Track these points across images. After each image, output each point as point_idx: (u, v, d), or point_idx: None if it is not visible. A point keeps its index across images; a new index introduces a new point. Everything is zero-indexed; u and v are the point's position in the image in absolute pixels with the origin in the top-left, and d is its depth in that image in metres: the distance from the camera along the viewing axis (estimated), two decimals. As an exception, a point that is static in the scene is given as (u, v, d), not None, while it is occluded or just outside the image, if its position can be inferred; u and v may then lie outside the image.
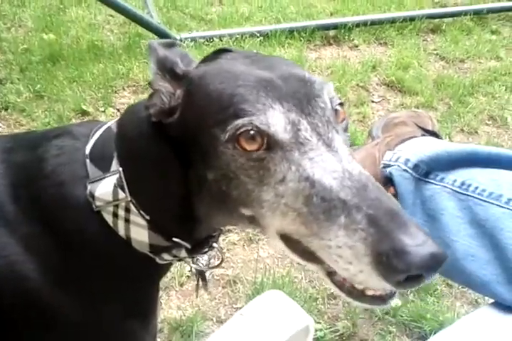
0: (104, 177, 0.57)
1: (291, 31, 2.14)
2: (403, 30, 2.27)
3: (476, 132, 1.80)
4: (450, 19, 2.38)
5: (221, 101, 0.51)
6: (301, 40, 2.12)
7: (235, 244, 1.36)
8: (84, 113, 1.72)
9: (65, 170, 0.58)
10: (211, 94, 0.52)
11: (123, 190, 0.57)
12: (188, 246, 0.61)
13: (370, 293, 0.47)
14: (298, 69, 0.56)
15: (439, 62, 2.15)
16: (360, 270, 0.43)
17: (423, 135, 0.95)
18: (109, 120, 1.75)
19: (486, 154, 0.79)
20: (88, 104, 1.74)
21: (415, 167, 0.82)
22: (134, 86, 1.85)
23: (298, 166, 0.48)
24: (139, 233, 0.58)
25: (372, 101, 1.89)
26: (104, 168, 0.58)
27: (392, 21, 2.28)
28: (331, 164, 0.48)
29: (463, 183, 0.77)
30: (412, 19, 2.31)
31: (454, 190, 0.77)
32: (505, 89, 1.99)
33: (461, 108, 1.86)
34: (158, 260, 0.61)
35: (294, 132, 0.49)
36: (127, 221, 0.58)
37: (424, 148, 0.84)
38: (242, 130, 0.48)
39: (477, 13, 2.41)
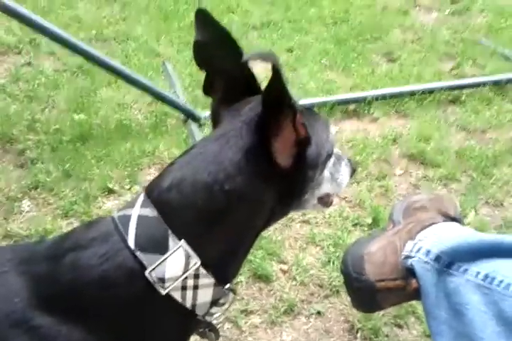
0: (166, 258, 0.58)
1: (311, 106, 2.20)
2: (423, 102, 2.30)
3: (502, 204, 1.77)
4: (469, 90, 2.41)
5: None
6: (321, 115, 2.16)
7: (257, 326, 1.33)
8: (110, 191, 1.76)
9: (115, 272, 0.58)
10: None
11: (191, 258, 0.59)
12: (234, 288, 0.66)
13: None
14: None
15: (460, 133, 2.16)
16: (348, 179, 0.84)
17: (444, 221, 0.94)
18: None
19: (509, 244, 0.78)
20: (114, 183, 1.79)
21: (437, 258, 0.81)
22: (160, 163, 1.91)
23: (332, 149, 0.75)
24: (205, 294, 0.61)
25: (395, 175, 1.89)
26: (161, 250, 0.59)
27: (412, 94, 2.32)
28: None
29: (486, 276, 0.75)
30: (431, 91, 2.35)
31: (478, 284, 0.75)
32: (530, 160, 1.97)
33: (485, 180, 1.85)
34: (206, 318, 0.63)
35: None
36: (196, 287, 0.59)
37: (445, 238, 0.83)
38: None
39: (496, 83, 2.44)
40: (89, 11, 3.03)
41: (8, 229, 1.59)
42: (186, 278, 0.59)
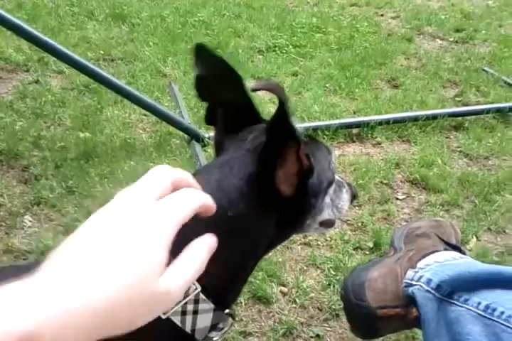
0: None
1: (315, 129, 2.21)
2: (426, 128, 2.32)
3: (504, 231, 1.76)
4: (472, 117, 2.43)
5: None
6: (324, 138, 2.18)
7: (255, 349, 1.31)
8: (112, 209, 1.76)
9: None
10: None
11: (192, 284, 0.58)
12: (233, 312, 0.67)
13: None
14: None
15: (463, 159, 2.17)
16: (348, 205, 0.85)
17: (445, 249, 0.94)
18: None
19: (509, 275, 0.77)
20: (117, 200, 1.79)
21: (438, 287, 0.81)
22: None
23: (333, 176, 0.78)
24: (204, 319, 0.61)
25: (397, 199, 1.89)
26: None
27: (415, 119, 2.34)
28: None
29: (487, 307, 0.75)
30: (434, 117, 2.36)
31: (479, 314, 0.75)
32: (533, 187, 1.98)
33: (487, 206, 1.84)
34: None
35: None
36: (195, 312, 0.59)
37: (446, 267, 0.83)
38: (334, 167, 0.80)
39: (499, 111, 2.46)
40: (97, 31, 3.08)
41: (10, 244, 1.59)
42: (186, 303, 0.59)
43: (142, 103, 2.06)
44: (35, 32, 1.89)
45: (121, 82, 2.10)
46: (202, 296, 0.60)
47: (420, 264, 0.89)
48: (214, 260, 0.60)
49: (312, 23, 3.49)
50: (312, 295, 1.47)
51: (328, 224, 0.83)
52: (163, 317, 0.58)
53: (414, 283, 0.84)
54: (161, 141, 2.11)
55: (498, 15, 3.96)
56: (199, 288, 0.59)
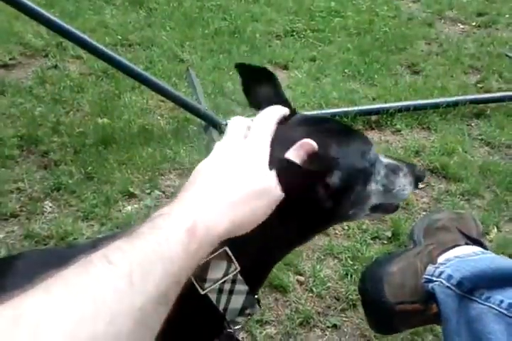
0: (210, 259, 0.61)
1: (333, 116, 2.19)
2: (446, 115, 2.28)
3: (526, 222, 1.74)
4: (495, 104, 2.38)
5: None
6: (343, 125, 2.16)
7: (272, 337, 1.32)
8: (131, 195, 1.78)
9: None
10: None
11: (232, 264, 0.61)
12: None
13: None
14: None
15: (484, 147, 2.13)
16: (410, 189, 0.81)
17: (466, 243, 0.92)
18: (154, 202, 1.75)
19: None
20: (135, 187, 1.80)
21: (459, 284, 0.79)
22: (180, 169, 1.91)
23: (381, 162, 0.78)
24: (238, 300, 0.64)
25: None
26: None
27: (435, 106, 2.30)
28: (382, 155, 0.81)
29: (510, 305, 0.73)
30: (455, 104, 2.32)
31: (502, 312, 0.73)
32: (556, 177, 1.94)
33: (509, 196, 1.82)
34: (230, 327, 0.65)
35: None
36: (231, 292, 0.62)
37: (467, 263, 0.81)
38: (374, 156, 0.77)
39: (522, 98, 2.41)
40: (115, 16, 3.06)
41: (30, 229, 1.61)
42: (225, 282, 0.61)
43: (159, 89, 2.05)
44: (53, 17, 1.88)
45: (139, 68, 2.09)
46: (240, 277, 0.62)
47: (440, 259, 0.87)
48: (252, 244, 0.62)
49: (331, 7, 3.43)
50: (329, 284, 1.47)
51: (385, 209, 0.84)
52: (202, 292, 0.60)
53: (434, 278, 0.83)
54: (178, 128, 2.10)
55: (523, -1, 3.85)
56: (238, 268, 0.61)
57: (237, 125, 0.66)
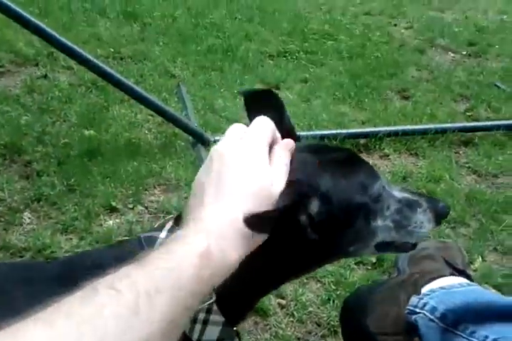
0: None
1: (322, 138, 2.18)
2: (435, 142, 2.29)
3: (511, 252, 1.72)
4: (483, 133, 2.39)
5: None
6: (332, 148, 2.15)
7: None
8: (113, 209, 1.74)
9: None
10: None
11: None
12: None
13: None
14: None
15: (471, 175, 2.13)
16: (429, 227, 0.74)
17: (452, 274, 0.90)
18: (136, 217, 1.71)
19: None
20: (118, 201, 1.77)
21: (442, 316, 0.76)
22: (165, 184, 1.88)
23: (393, 196, 0.73)
24: (213, 332, 0.61)
25: (402, 213, 1.85)
26: None
27: (424, 133, 2.31)
28: (397, 188, 0.76)
29: None
30: (444, 131, 2.33)
31: None
32: (541, 208, 1.94)
33: (494, 225, 1.81)
34: None
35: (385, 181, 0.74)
36: (205, 322, 0.60)
37: (452, 295, 0.79)
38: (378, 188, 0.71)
39: (510, 127, 2.42)
40: (108, 29, 3.06)
41: (7, 240, 1.56)
42: (199, 311, 0.59)
43: (149, 103, 2.03)
44: (45, 27, 1.86)
45: (129, 81, 2.07)
46: (215, 307, 0.59)
47: (425, 289, 0.85)
48: (234, 274, 0.59)
49: (324, 30, 3.47)
50: (311, 309, 1.43)
51: (398, 248, 0.77)
52: None
53: (417, 310, 0.80)
54: (166, 143, 2.08)
55: (512, 31, 3.93)
56: (214, 298, 0.59)
57: (234, 129, 0.65)
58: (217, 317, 0.60)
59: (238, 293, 0.64)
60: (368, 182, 0.69)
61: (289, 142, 0.65)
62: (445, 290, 0.83)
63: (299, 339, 1.36)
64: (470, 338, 0.73)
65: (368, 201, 0.68)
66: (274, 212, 0.56)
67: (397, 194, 0.74)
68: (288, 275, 0.71)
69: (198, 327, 0.60)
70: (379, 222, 0.71)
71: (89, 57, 1.96)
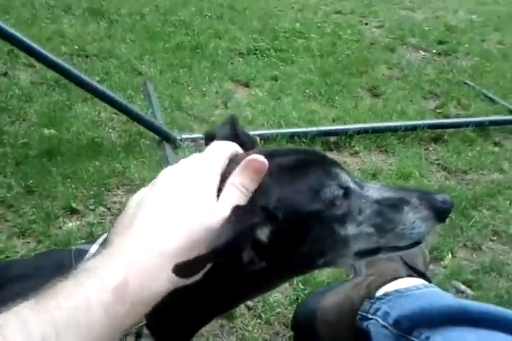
0: None
1: (292, 136, 2.15)
2: (405, 139, 2.27)
3: (480, 248, 1.71)
4: (452, 130, 2.39)
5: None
6: (301, 145, 2.11)
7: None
8: (74, 211, 1.67)
9: None
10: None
11: None
12: None
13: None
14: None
15: (440, 172, 2.12)
16: (427, 225, 0.66)
17: (409, 275, 0.85)
18: (98, 219, 1.64)
19: (476, 312, 0.69)
20: (79, 202, 1.70)
21: (396, 322, 0.72)
22: (129, 185, 1.82)
23: (366, 197, 0.65)
24: None
25: (372, 211, 1.82)
26: None
27: (394, 130, 2.29)
28: (376, 187, 0.68)
29: None
30: (413, 128, 2.32)
31: None
32: (510, 203, 1.93)
33: (463, 221, 1.79)
34: None
35: (354, 181, 0.66)
36: None
37: (407, 299, 0.74)
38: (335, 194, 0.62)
39: (479, 124, 2.43)
40: (73, 26, 2.98)
41: (-43, 245, 1.48)
42: (127, 334, 0.53)
43: (112, 101, 1.97)
44: (1, 23, 1.79)
45: (91, 79, 2.00)
46: (146, 331, 0.54)
47: (379, 293, 0.80)
48: (168, 298, 0.53)
49: (295, 28, 3.44)
50: (279, 310, 1.38)
51: (394, 250, 0.69)
52: None
53: (369, 316, 0.75)
54: (130, 141, 2.01)
55: (481, 30, 3.96)
56: (144, 321, 0.53)
57: (193, 156, 0.61)
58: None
59: (176, 317, 0.58)
60: (317, 186, 0.60)
61: (249, 164, 0.57)
62: (400, 293, 0.78)
63: (266, 341, 1.32)
64: None
65: (321, 207, 0.60)
66: (205, 258, 0.48)
67: (374, 194, 0.66)
68: (239, 299, 0.65)
69: None
70: (350, 229, 0.63)
71: (49, 54, 1.89)
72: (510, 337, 0.65)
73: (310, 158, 0.65)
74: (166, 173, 0.57)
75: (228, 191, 0.55)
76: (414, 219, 0.65)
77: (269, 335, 1.33)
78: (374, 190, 0.66)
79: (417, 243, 0.69)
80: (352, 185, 0.64)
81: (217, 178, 0.56)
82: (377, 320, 0.73)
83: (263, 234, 0.56)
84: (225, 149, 0.61)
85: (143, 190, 0.57)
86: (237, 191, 0.55)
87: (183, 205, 0.52)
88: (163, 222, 0.50)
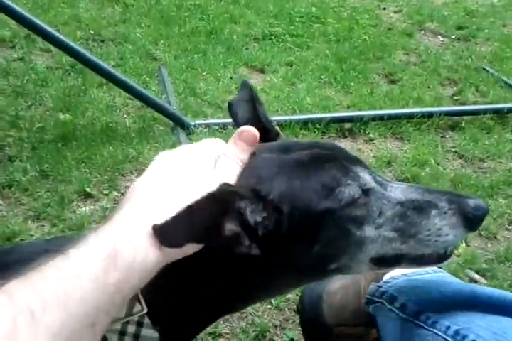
0: None
1: (306, 122, 2.13)
2: (421, 126, 2.24)
3: (495, 237, 1.69)
4: (470, 117, 2.35)
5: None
6: (315, 132, 2.10)
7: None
8: (88, 195, 1.69)
9: None
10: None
11: (138, 302, 0.52)
12: None
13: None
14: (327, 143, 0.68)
15: (457, 160, 2.09)
16: (456, 234, 0.61)
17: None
18: (111, 204, 1.66)
19: (486, 297, 0.68)
20: (93, 186, 1.71)
21: (402, 306, 0.71)
22: (143, 170, 1.81)
23: (388, 198, 0.61)
24: None
25: (386, 198, 1.81)
26: None
27: (410, 117, 2.26)
28: (400, 187, 0.63)
29: (457, 333, 0.65)
30: (430, 115, 2.28)
31: (447, 340, 0.65)
32: (527, 192, 1.90)
33: (479, 210, 1.77)
34: None
35: (374, 180, 0.62)
36: (136, 337, 0.53)
37: (414, 283, 0.73)
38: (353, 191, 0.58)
39: (497, 112, 2.38)
40: (89, 10, 2.97)
41: (-26, 228, 1.51)
42: (128, 322, 0.52)
43: (127, 87, 1.97)
44: (18, 8, 1.79)
45: (106, 64, 2.01)
46: (147, 320, 0.53)
47: (386, 277, 0.79)
48: (173, 289, 0.53)
49: (311, 12, 3.38)
50: (289, 296, 1.39)
51: (416, 261, 0.64)
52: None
53: (376, 299, 0.74)
54: (144, 127, 2.02)
55: (502, 15, 3.86)
56: (145, 310, 0.52)
57: (186, 145, 0.62)
58: (149, 331, 0.54)
59: (180, 308, 0.57)
60: (332, 184, 0.57)
61: (241, 134, 0.59)
62: (407, 277, 0.78)
63: (276, 326, 1.32)
64: (431, 329, 0.67)
65: (334, 206, 0.57)
66: (179, 219, 0.47)
67: (398, 195, 0.61)
68: (244, 298, 0.62)
69: (127, 339, 0.53)
70: (367, 231, 0.59)
71: (65, 39, 1.90)
72: None
73: (330, 154, 0.61)
74: (163, 155, 0.59)
75: (223, 160, 0.57)
76: (441, 225, 0.60)
77: (279, 321, 1.34)
78: (398, 191, 0.61)
79: (444, 257, 0.63)
80: (373, 185, 0.60)
81: (214, 157, 0.58)
82: (383, 304, 0.72)
83: (253, 217, 0.54)
84: (215, 145, 0.62)
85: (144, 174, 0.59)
86: (230, 160, 0.57)
87: (181, 178, 0.54)
88: (160, 194, 0.52)
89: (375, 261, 0.61)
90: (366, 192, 0.59)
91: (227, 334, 1.28)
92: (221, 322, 1.31)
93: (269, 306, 1.37)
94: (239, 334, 1.28)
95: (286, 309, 1.37)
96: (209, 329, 1.27)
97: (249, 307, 1.35)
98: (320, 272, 0.62)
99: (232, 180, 0.55)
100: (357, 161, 0.63)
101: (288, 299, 1.38)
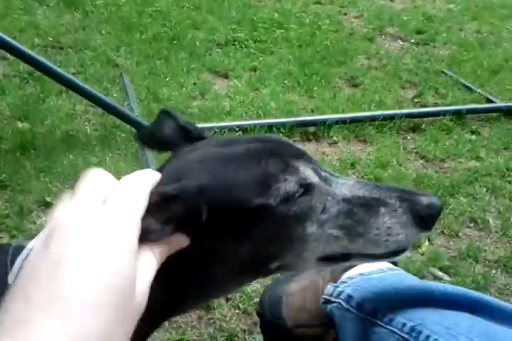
0: None
1: (270, 127, 2.14)
2: (383, 129, 2.27)
3: (457, 235, 1.72)
4: (430, 118, 2.40)
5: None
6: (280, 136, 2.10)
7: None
8: (48, 205, 1.64)
9: None
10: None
11: None
12: None
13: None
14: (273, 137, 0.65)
15: (418, 160, 2.13)
16: (407, 233, 0.57)
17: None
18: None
19: (440, 293, 0.69)
20: (53, 196, 1.67)
21: (359, 305, 0.71)
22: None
23: (332, 195, 0.58)
24: None
25: (350, 200, 1.83)
26: None
27: (372, 119, 2.29)
28: (348, 183, 0.60)
29: (412, 329, 0.66)
30: (392, 118, 2.32)
31: (403, 337, 0.66)
32: (486, 191, 1.95)
33: (441, 209, 1.80)
34: None
35: (318, 174, 0.59)
36: None
37: (370, 282, 0.73)
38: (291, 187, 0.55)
39: (457, 113, 2.44)
40: (47, 17, 2.92)
41: None
42: None
43: (87, 93, 1.93)
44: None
45: (66, 72, 1.97)
46: None
47: (344, 277, 0.79)
48: None
49: (274, 18, 3.41)
50: (257, 300, 1.38)
51: (370, 258, 0.62)
52: None
53: (333, 299, 0.74)
54: (106, 134, 1.99)
55: (459, 19, 3.97)
56: None
57: (92, 185, 0.48)
58: None
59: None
60: (266, 179, 0.54)
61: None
62: (363, 276, 0.78)
63: (244, 331, 1.31)
64: (388, 326, 0.68)
65: (267, 203, 0.53)
66: None
67: (343, 191, 0.58)
68: (185, 294, 0.57)
69: None
70: (310, 229, 0.56)
71: (22, 47, 1.85)
72: (475, 316, 0.65)
73: (269, 148, 0.58)
74: (67, 225, 0.43)
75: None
76: (390, 224, 0.56)
77: (248, 325, 1.33)
78: (344, 187, 0.58)
79: (397, 252, 0.60)
80: (315, 180, 0.57)
81: (138, 229, 0.45)
82: (340, 304, 0.72)
83: (180, 213, 0.50)
84: (149, 179, 0.52)
85: (34, 250, 0.43)
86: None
87: (98, 276, 0.40)
88: (73, 302, 0.38)
89: (322, 259, 0.59)
90: (307, 187, 0.56)
91: (195, 340, 1.27)
92: (188, 328, 1.29)
93: (237, 311, 1.36)
94: (207, 340, 1.27)
95: (255, 313, 1.35)
96: (176, 336, 1.26)
97: (217, 314, 1.34)
98: (261, 269, 0.59)
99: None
100: (300, 156, 0.59)
101: (256, 303, 1.37)
